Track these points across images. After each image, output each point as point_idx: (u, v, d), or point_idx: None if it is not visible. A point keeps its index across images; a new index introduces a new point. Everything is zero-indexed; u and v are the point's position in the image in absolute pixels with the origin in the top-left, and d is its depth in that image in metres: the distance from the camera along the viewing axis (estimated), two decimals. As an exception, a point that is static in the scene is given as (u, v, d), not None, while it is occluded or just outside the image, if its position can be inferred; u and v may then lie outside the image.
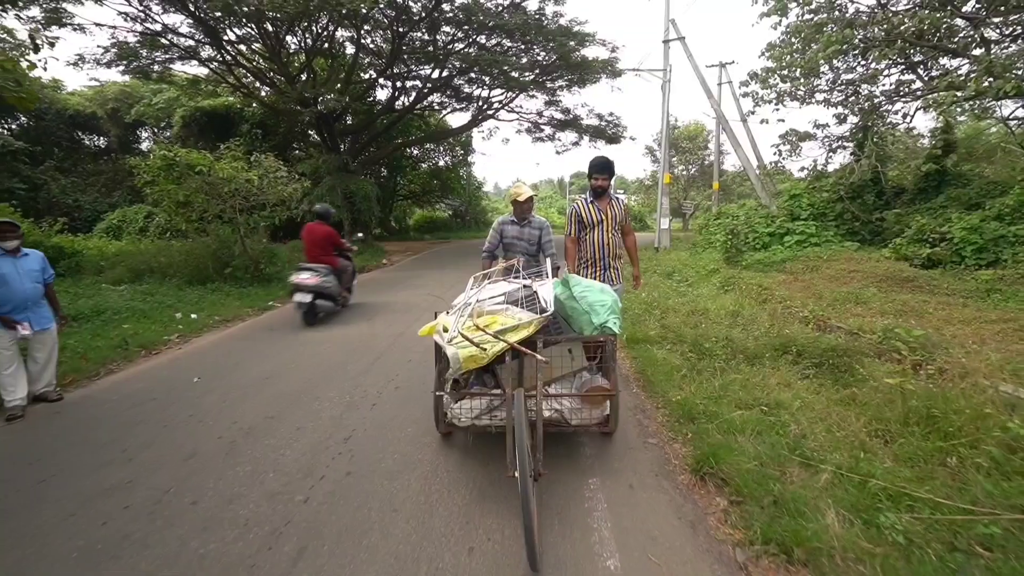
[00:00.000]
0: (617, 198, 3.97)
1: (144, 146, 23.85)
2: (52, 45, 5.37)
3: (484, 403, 2.77)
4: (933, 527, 2.11)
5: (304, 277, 6.55)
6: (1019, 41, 10.67)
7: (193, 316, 7.16)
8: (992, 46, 10.40)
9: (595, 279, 3.78)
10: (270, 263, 9.86)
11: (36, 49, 4.96)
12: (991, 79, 8.49)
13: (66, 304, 6.39)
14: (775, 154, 15.67)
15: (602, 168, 3.78)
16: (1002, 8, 9.97)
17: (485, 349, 2.36)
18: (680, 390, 3.75)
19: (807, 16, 12.44)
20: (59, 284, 8.30)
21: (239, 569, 2.15)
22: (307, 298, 6.50)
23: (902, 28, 10.48)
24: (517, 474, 2.06)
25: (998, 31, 10.57)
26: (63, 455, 3.24)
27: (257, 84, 18.83)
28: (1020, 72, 8.63)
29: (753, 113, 14.24)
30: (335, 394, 4.17)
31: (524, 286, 3.06)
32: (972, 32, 10.76)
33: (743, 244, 10.83)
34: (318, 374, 4.71)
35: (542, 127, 21.77)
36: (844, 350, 4.04)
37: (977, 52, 10.53)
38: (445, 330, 2.61)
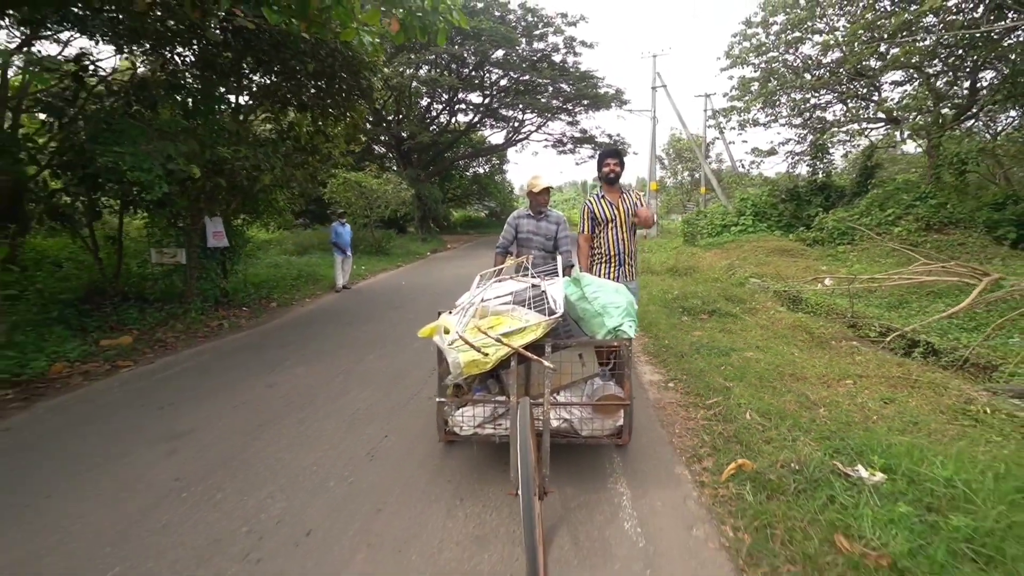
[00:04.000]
0: (628, 191, 3.80)
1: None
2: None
3: (488, 410, 2.58)
4: (672, 293, 7.34)
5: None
6: (904, 87, 15.60)
7: (363, 268, 12.74)
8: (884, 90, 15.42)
9: (611, 276, 3.71)
10: (388, 242, 15.49)
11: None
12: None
13: (298, 262, 12.09)
14: (740, 167, 20.69)
15: (613, 153, 3.71)
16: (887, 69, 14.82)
17: (487, 354, 2.15)
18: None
19: (761, 66, 17.37)
20: (260, 255, 14.03)
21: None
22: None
23: (822, 79, 15.51)
24: (519, 493, 1.80)
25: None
26: (363, 305, 8.62)
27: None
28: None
29: (720, 139, 19.24)
30: (454, 282, 9.62)
31: (533, 285, 2.88)
32: (871, 84, 15.63)
33: (699, 231, 15.88)
34: (450, 275, 10.16)
35: (565, 143, 27.12)
36: (690, 268, 9.25)
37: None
38: (447, 332, 2.38)
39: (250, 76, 7.23)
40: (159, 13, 5.75)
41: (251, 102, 7.28)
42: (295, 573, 1.96)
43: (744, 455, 2.67)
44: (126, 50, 6.51)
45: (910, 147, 20.13)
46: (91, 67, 5.79)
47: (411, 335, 6.03)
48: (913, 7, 12.23)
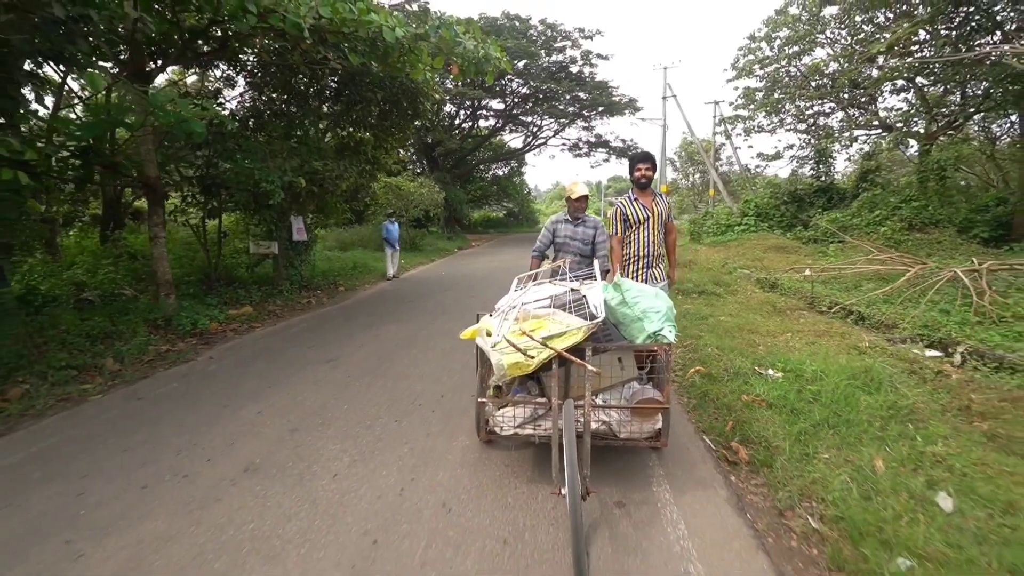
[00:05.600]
0: (660, 195, 3.91)
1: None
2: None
3: (528, 411, 2.69)
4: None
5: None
6: (902, 95, 16.85)
7: (402, 262, 14.44)
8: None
9: (639, 277, 3.80)
10: (421, 240, 17.22)
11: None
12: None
13: (345, 256, 13.85)
14: (746, 170, 21.99)
15: (645, 158, 3.80)
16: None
17: (532, 356, 2.25)
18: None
19: (765, 77, 18.68)
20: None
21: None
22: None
23: (822, 89, 16.82)
24: (565, 491, 1.92)
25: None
26: (417, 289, 10.32)
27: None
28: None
29: (726, 144, 20.60)
30: (487, 273, 11.19)
31: (572, 289, 2.94)
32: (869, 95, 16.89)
33: (704, 231, 17.30)
34: (482, 268, 11.79)
35: (581, 147, 28.67)
36: (690, 261, 10.75)
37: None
38: (488, 334, 2.48)
39: (326, 102, 8.97)
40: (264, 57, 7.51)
41: (328, 124, 9.00)
42: (444, 410, 3.61)
43: (701, 366, 4.24)
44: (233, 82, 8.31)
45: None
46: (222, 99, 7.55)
47: (468, 307, 7.65)
48: (905, 25, 13.52)
